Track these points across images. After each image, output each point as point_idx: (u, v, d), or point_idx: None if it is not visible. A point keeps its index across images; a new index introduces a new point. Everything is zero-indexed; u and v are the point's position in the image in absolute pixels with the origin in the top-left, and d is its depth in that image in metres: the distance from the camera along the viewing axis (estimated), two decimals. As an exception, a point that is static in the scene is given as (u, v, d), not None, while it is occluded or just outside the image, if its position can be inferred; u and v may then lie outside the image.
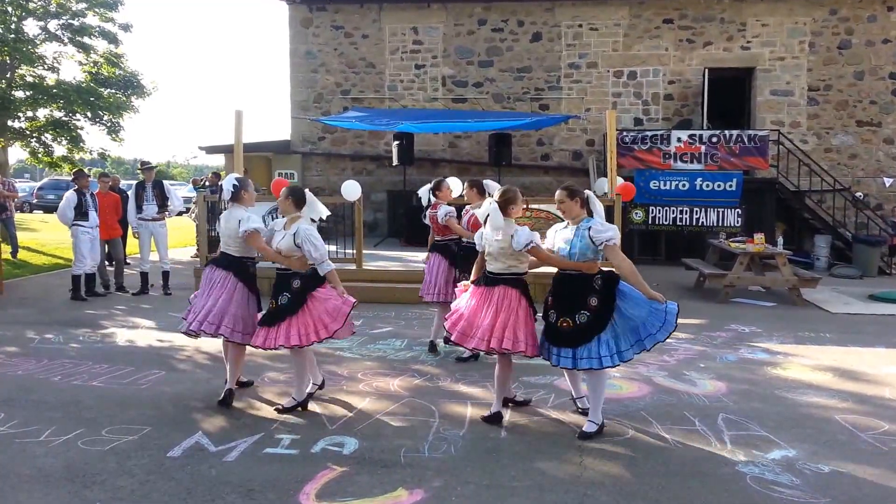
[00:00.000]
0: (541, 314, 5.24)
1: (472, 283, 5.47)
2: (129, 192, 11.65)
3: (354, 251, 10.77)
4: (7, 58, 18.45)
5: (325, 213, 5.74)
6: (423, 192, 7.47)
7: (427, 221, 7.55)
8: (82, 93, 18.91)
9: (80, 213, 10.26)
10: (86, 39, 19.80)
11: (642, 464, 4.56)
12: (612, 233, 4.90)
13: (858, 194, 15.55)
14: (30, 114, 19.41)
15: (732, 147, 13.80)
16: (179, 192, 12.52)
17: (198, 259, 11.99)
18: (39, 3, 19.31)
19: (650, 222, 12.90)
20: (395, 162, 15.07)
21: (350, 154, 17.17)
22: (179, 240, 17.25)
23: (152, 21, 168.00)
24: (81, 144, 19.63)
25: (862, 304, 10.60)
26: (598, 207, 5.17)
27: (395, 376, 6.50)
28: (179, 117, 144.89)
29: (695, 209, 12.72)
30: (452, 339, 5.29)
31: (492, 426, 5.19)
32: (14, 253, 14.29)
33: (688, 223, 12.80)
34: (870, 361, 7.26)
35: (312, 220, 5.59)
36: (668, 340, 7.95)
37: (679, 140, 13.95)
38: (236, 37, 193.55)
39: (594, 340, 4.84)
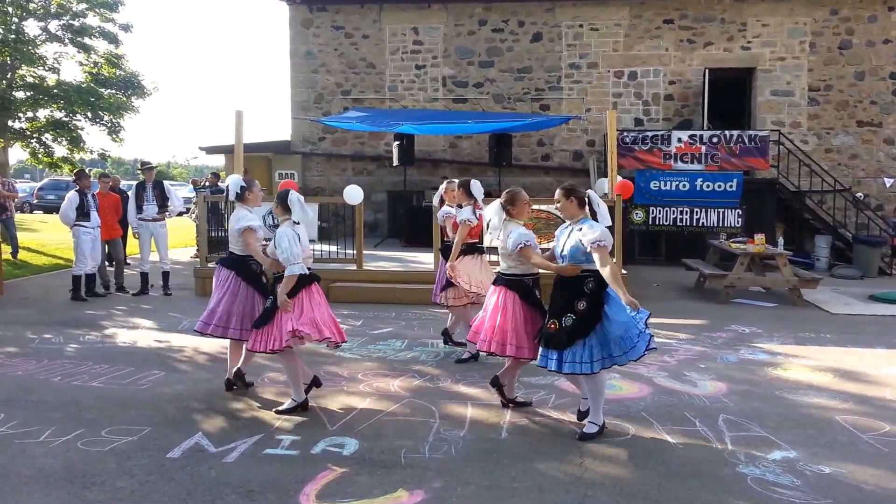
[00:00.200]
0: None
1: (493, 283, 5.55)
2: (129, 193, 11.65)
3: (355, 252, 10.76)
4: (8, 58, 18.45)
5: (309, 213, 5.67)
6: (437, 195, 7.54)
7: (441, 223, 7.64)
8: (83, 93, 18.90)
9: (82, 213, 10.25)
10: (86, 40, 19.80)
11: (643, 464, 4.55)
12: (599, 234, 4.76)
13: (859, 195, 15.54)
14: (30, 114, 19.41)
15: (733, 147, 13.79)
16: (179, 192, 12.50)
17: (198, 259, 11.98)
18: (40, 4, 19.31)
19: (650, 223, 12.89)
20: (395, 162, 15.06)
21: (350, 154, 17.16)
22: (179, 240, 17.24)
23: (153, 21, 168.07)
24: (82, 145, 19.62)
25: (862, 304, 10.59)
26: (602, 208, 5.06)
27: (395, 377, 6.50)
28: (180, 118, 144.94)
29: (695, 210, 12.71)
30: (467, 337, 5.57)
31: (492, 427, 5.19)
32: (14, 253, 14.29)
33: (688, 224, 12.79)
34: (870, 362, 7.25)
35: (296, 223, 5.50)
36: (668, 341, 8.04)
37: (679, 140, 13.95)
38: (237, 37, 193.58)
39: (578, 345, 4.78)
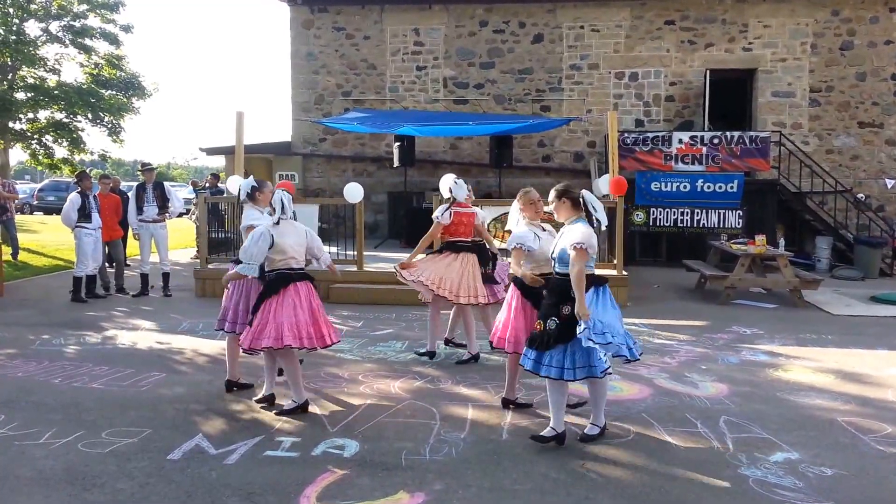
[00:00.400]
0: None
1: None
2: (129, 194, 11.64)
3: (355, 252, 10.75)
4: (8, 59, 18.45)
5: (288, 212, 5.56)
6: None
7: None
8: (83, 94, 18.90)
9: (84, 215, 10.25)
10: (87, 41, 19.80)
11: (644, 466, 4.54)
12: (579, 236, 4.65)
13: (860, 196, 15.53)
14: (31, 115, 19.40)
15: (734, 148, 13.77)
16: (179, 193, 12.49)
17: (198, 261, 11.97)
18: (41, 5, 19.31)
19: (651, 224, 12.87)
20: (395, 163, 15.05)
21: (351, 155, 17.16)
22: (179, 241, 17.24)
23: (153, 22, 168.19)
24: (82, 146, 19.62)
25: (863, 305, 10.58)
26: (598, 208, 4.92)
27: (395, 378, 6.49)
28: (180, 119, 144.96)
29: (696, 211, 12.69)
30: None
31: (492, 428, 5.18)
32: (14, 255, 14.28)
33: (689, 225, 12.77)
34: (872, 363, 7.24)
35: (281, 221, 5.44)
36: (669, 342, 8.03)
37: (680, 141, 13.93)
38: (237, 38, 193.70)
39: (559, 349, 4.68)
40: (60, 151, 19.82)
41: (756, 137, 13.93)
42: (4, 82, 18.60)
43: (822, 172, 14.91)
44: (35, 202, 30.99)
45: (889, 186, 15.79)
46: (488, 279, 7.09)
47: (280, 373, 6.29)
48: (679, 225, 12.80)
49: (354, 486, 4.20)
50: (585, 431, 4.98)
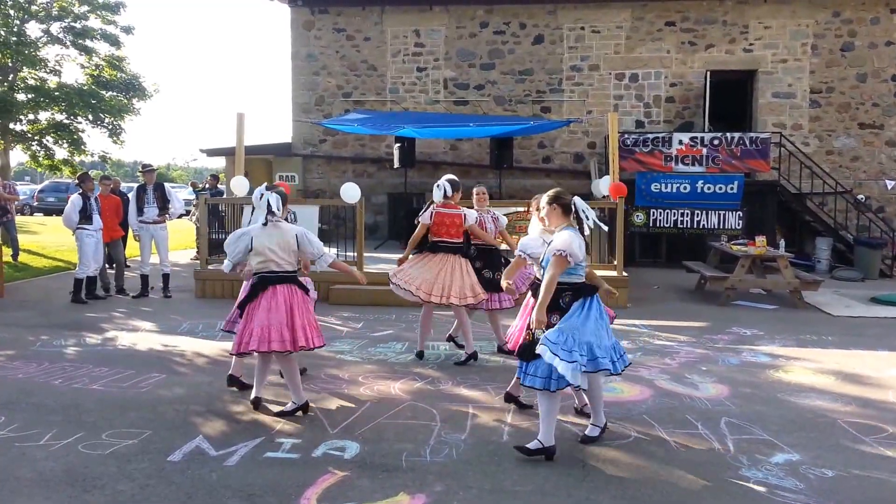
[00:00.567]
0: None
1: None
2: (129, 195, 11.64)
3: (355, 254, 10.75)
4: (9, 60, 18.45)
5: (262, 212, 5.57)
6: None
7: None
8: (84, 95, 18.90)
9: (85, 216, 10.24)
10: (88, 42, 19.80)
11: (645, 468, 4.54)
12: (560, 244, 4.54)
13: (860, 197, 15.53)
14: (31, 117, 19.41)
15: (734, 149, 13.78)
16: (179, 194, 12.49)
17: (198, 261, 11.96)
18: (41, 6, 19.32)
19: (651, 225, 12.87)
20: (396, 164, 15.05)
21: (351, 156, 17.16)
22: (179, 242, 17.24)
23: (154, 23, 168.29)
24: (83, 147, 19.62)
25: (864, 306, 10.58)
26: (589, 215, 4.85)
27: (396, 380, 6.48)
28: (179, 120, 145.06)
29: (696, 212, 12.69)
30: None
31: (493, 430, 5.18)
32: (15, 256, 14.28)
33: (689, 226, 12.78)
34: (872, 364, 7.23)
35: (269, 222, 5.47)
36: (669, 343, 8.02)
37: (680, 142, 13.94)
38: (237, 39, 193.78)
39: (541, 359, 4.56)
40: (61, 153, 19.83)
41: (756, 138, 13.94)
42: (5, 83, 18.61)
43: (822, 173, 14.91)
44: (35, 203, 31.00)
45: (889, 188, 15.80)
46: (490, 285, 6.98)
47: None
48: (679, 226, 12.81)
49: (355, 488, 4.19)
50: (586, 433, 4.97)
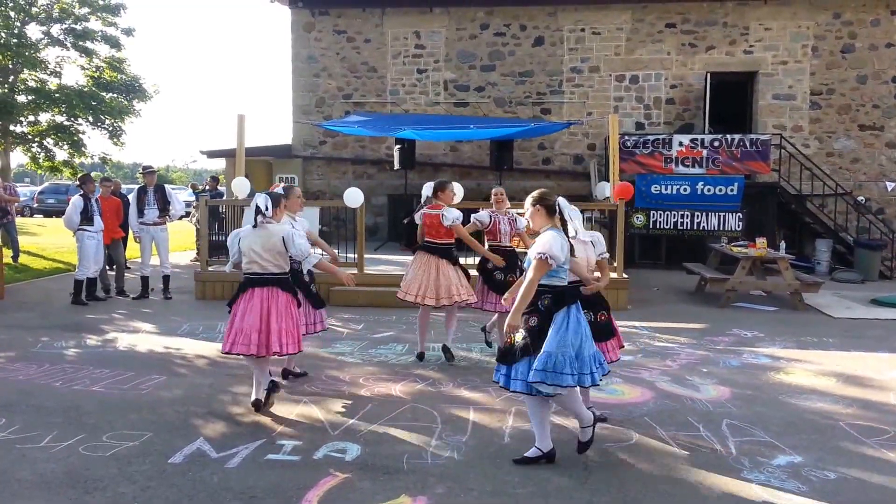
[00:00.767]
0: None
1: None
2: (130, 197, 11.64)
3: (356, 255, 10.74)
4: (9, 62, 18.46)
5: (250, 215, 5.65)
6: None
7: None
8: (84, 97, 18.93)
9: (86, 217, 10.24)
10: (88, 44, 19.83)
11: (647, 470, 4.53)
12: (541, 247, 4.41)
13: (860, 198, 15.53)
14: (31, 118, 19.42)
15: (734, 151, 13.78)
16: (179, 196, 12.47)
17: (198, 263, 11.96)
18: (42, 8, 19.33)
19: (651, 226, 12.86)
20: (396, 166, 15.06)
21: (351, 158, 17.16)
22: (179, 243, 17.23)
23: (154, 25, 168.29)
24: (83, 149, 19.63)
25: (864, 308, 10.57)
26: (574, 217, 4.76)
27: (396, 381, 6.48)
28: (179, 121, 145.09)
29: (696, 213, 12.68)
30: None
31: (494, 432, 5.17)
32: (15, 257, 14.28)
33: (689, 227, 12.77)
34: (873, 366, 7.23)
35: (258, 224, 5.51)
36: (669, 345, 8.02)
37: (681, 144, 13.94)
38: (238, 41, 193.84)
39: (524, 362, 4.47)
40: (61, 154, 19.86)
41: (756, 140, 13.94)
42: (5, 85, 18.62)
43: (822, 175, 14.91)
44: (35, 205, 30.98)
45: (889, 189, 15.79)
46: (501, 288, 6.79)
47: (285, 375, 6.39)
48: (679, 227, 12.80)
49: (356, 490, 4.18)
50: (579, 438, 4.70)
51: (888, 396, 6.20)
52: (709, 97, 15.71)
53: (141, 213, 10.97)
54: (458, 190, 7.61)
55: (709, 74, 15.82)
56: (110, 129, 19.82)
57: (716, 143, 13.82)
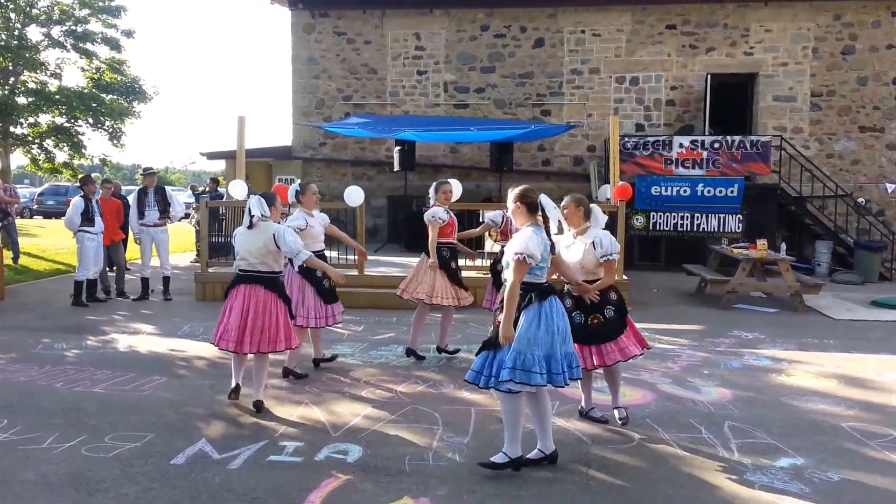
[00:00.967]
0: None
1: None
2: (130, 198, 11.63)
3: (356, 256, 10.72)
4: (10, 64, 18.47)
5: (257, 213, 5.63)
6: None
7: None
8: (84, 98, 18.95)
9: (87, 219, 10.23)
10: (88, 45, 19.85)
11: (649, 472, 4.53)
12: (517, 246, 4.34)
13: (860, 200, 15.53)
14: (32, 120, 19.43)
15: (734, 153, 13.78)
16: (179, 197, 12.47)
17: (198, 264, 11.95)
18: (42, 10, 19.34)
19: (651, 228, 12.85)
20: (396, 167, 15.05)
21: (351, 160, 17.16)
22: (179, 245, 17.22)
23: (155, 26, 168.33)
24: (83, 150, 19.63)
25: (865, 310, 10.58)
26: (552, 215, 4.63)
27: (397, 383, 6.47)
28: (178, 123, 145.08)
29: (696, 215, 12.67)
30: None
31: (495, 433, 5.16)
32: (15, 259, 14.27)
33: (689, 229, 12.76)
34: (875, 368, 7.23)
35: (252, 224, 5.58)
36: (670, 347, 8.01)
37: (681, 146, 13.94)
38: (238, 43, 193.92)
39: (483, 354, 4.44)
40: (61, 156, 19.88)
41: (757, 142, 13.94)
42: (6, 87, 18.62)
43: (822, 177, 14.92)
44: (35, 206, 30.93)
45: (889, 191, 15.79)
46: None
47: (286, 374, 6.54)
48: (679, 229, 12.79)
49: (358, 492, 4.18)
50: (503, 451, 4.49)
51: (889, 398, 6.19)
52: (709, 99, 15.71)
53: (141, 214, 10.96)
54: (455, 188, 7.67)
55: (709, 76, 15.83)
56: (110, 130, 19.84)
57: (716, 145, 13.82)
